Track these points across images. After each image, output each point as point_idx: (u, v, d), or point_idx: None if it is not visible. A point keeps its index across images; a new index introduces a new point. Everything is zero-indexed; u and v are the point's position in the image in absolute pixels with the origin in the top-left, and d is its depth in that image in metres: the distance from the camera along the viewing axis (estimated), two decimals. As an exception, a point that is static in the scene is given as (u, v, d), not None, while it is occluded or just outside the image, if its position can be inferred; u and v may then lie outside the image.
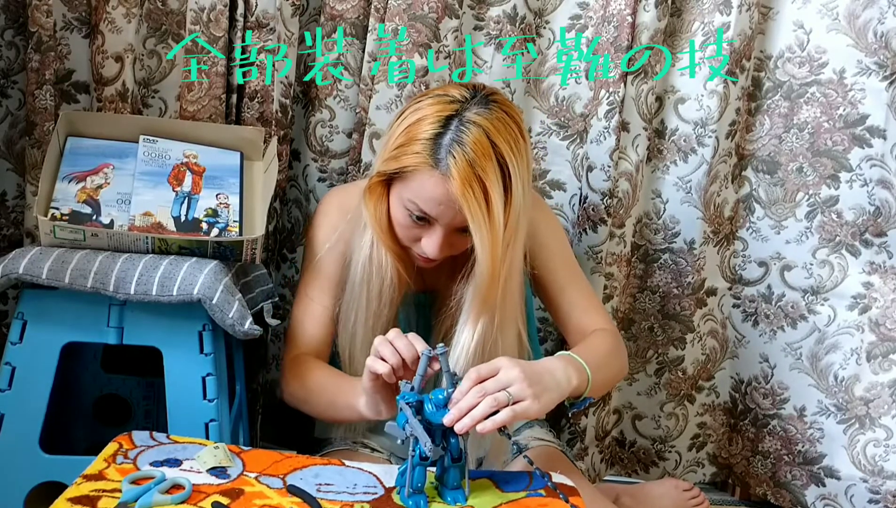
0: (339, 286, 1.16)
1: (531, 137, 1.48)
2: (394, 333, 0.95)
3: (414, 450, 0.90)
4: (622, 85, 1.42)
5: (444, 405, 0.91)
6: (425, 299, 1.20)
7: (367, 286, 1.11)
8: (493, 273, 1.03)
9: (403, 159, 1.03)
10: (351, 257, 1.14)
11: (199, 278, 1.07)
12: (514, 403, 0.91)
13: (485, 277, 1.04)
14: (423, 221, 1.05)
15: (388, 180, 1.07)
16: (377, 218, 1.08)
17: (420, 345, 0.93)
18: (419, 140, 1.02)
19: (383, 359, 0.93)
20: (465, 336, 1.08)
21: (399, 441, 0.92)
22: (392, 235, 1.09)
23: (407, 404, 0.91)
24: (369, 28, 1.39)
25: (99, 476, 0.88)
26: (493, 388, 0.91)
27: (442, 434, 0.92)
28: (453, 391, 0.92)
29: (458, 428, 0.89)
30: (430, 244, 1.06)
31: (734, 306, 1.58)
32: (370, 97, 1.40)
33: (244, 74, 1.37)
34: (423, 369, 0.93)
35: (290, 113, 1.43)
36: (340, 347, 1.17)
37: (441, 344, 0.93)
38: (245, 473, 0.93)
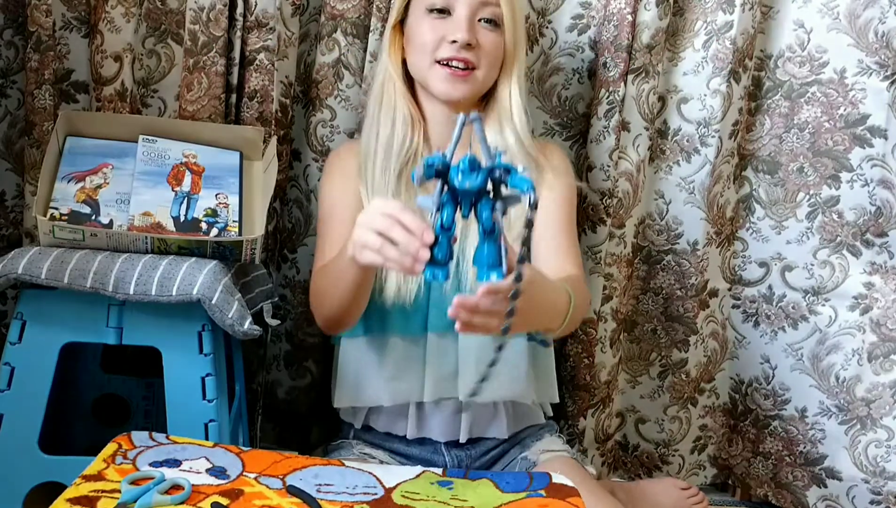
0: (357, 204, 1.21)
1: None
2: (386, 209, 0.88)
3: (435, 218, 0.84)
4: (622, 84, 1.41)
5: (472, 169, 0.83)
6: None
7: (381, 103, 1.22)
8: (515, 32, 1.19)
9: None
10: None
11: (199, 278, 1.07)
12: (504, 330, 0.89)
13: (510, 36, 1.19)
14: (445, 12, 1.17)
15: (402, 20, 1.22)
16: (396, 64, 1.22)
17: (416, 224, 0.86)
18: None
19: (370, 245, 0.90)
20: (506, 87, 1.21)
21: (430, 214, 0.85)
22: (408, 82, 1.23)
23: (429, 166, 0.83)
24: (371, 28, 1.39)
25: (98, 477, 0.88)
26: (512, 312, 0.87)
27: (471, 204, 0.85)
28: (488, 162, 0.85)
29: (457, 326, 0.88)
30: (457, 27, 1.15)
31: (734, 306, 1.58)
32: (371, 97, 1.40)
33: (244, 74, 1.37)
34: (457, 136, 0.86)
35: (291, 113, 1.42)
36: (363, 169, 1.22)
37: (474, 111, 0.93)
38: (245, 473, 0.93)
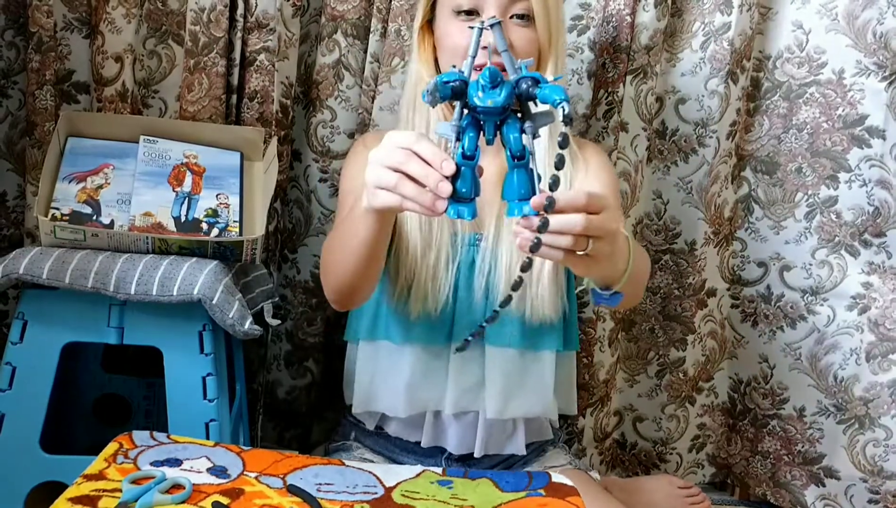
0: None
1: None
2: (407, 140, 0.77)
3: (456, 147, 0.74)
4: (621, 85, 1.42)
5: (494, 84, 0.72)
6: (474, 239, 1.14)
7: (414, 107, 1.14)
8: (549, 25, 1.09)
9: None
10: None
11: (200, 279, 1.07)
12: (582, 253, 0.78)
13: (544, 30, 1.09)
14: (473, 14, 1.08)
15: (430, 20, 1.15)
16: (427, 63, 1.15)
17: (436, 155, 0.75)
18: None
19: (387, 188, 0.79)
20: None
21: (450, 144, 0.75)
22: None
23: (444, 84, 0.72)
24: (371, 29, 1.40)
25: (99, 476, 0.88)
26: (589, 229, 0.76)
27: (496, 126, 0.74)
28: (511, 77, 0.75)
29: (519, 243, 0.76)
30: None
31: (733, 306, 1.58)
32: (373, 98, 1.40)
33: (244, 75, 1.37)
34: (475, 47, 0.76)
35: (291, 113, 1.43)
36: None
37: (493, 16, 0.84)
38: (245, 473, 0.93)
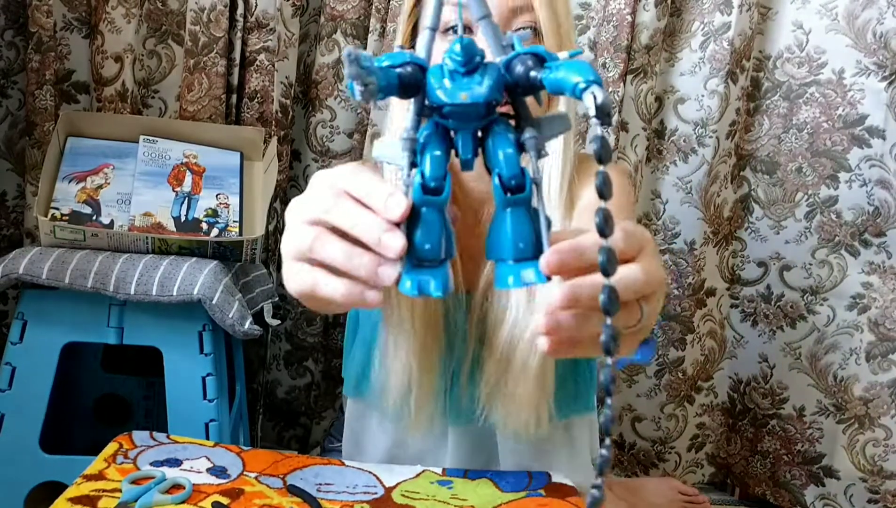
0: None
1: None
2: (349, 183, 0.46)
3: (412, 175, 0.44)
4: (621, 85, 1.42)
5: (470, 66, 0.43)
6: (466, 301, 0.93)
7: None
8: (560, 38, 0.85)
9: None
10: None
11: (199, 279, 1.07)
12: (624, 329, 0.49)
13: (554, 47, 0.83)
14: (466, 31, 0.82)
15: (412, 32, 0.91)
16: None
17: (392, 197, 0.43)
18: None
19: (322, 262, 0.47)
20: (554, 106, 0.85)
21: (403, 170, 0.44)
22: None
23: (385, 70, 0.42)
24: (370, 28, 1.40)
25: (99, 476, 0.88)
26: (646, 287, 0.47)
27: (475, 135, 0.44)
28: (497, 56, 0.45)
29: (548, 346, 0.45)
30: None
31: (732, 306, 1.58)
32: (371, 98, 1.40)
33: (244, 75, 1.37)
34: (434, 16, 0.47)
35: (291, 113, 1.43)
36: None
37: None
38: (245, 473, 0.93)
